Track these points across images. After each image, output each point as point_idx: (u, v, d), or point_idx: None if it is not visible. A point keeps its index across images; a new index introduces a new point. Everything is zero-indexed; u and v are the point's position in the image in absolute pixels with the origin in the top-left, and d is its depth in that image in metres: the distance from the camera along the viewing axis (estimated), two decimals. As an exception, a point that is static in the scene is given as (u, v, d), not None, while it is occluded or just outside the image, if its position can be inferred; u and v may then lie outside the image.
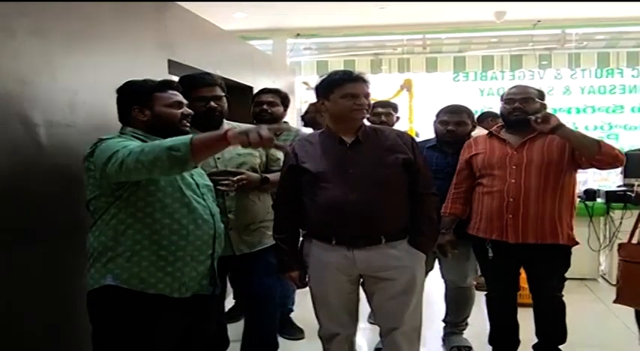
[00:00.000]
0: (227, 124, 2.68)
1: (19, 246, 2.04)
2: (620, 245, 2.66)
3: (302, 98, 8.19)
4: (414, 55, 8.60)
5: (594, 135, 7.49)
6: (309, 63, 8.60)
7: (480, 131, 3.30)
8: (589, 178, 5.77)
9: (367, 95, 2.33)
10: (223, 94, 2.68)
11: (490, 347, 3.11)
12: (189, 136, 1.76)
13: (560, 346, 2.97)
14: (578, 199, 4.64)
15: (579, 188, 5.06)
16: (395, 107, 3.98)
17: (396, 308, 2.37)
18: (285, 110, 3.62)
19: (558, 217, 2.77)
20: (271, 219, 2.67)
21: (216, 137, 1.76)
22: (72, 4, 2.45)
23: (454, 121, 3.15)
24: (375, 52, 8.71)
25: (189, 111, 2.16)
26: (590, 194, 4.79)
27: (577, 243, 2.85)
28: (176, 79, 2.68)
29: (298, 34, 8.09)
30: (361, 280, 2.43)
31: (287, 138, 3.40)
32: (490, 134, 2.98)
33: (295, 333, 3.64)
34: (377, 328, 2.54)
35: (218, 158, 2.61)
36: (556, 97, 8.01)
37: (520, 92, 2.89)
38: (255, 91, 3.84)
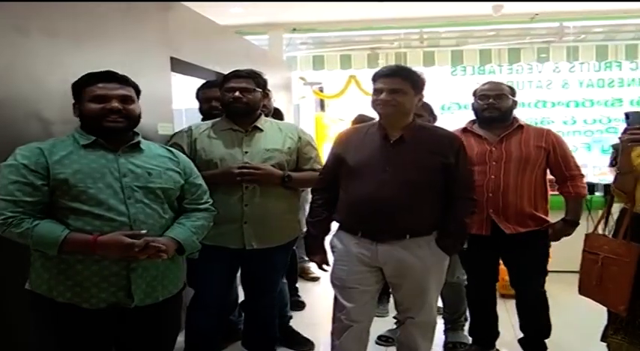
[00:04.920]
0: (263, 120, 2.78)
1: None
2: (586, 236, 2.66)
3: (299, 93, 8.16)
4: (411, 48, 8.54)
5: (593, 128, 7.68)
6: (305, 58, 8.55)
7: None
8: (589, 172, 5.79)
9: (395, 91, 2.32)
10: (256, 88, 2.68)
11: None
12: (62, 235, 1.79)
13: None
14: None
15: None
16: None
17: (413, 302, 2.47)
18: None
19: (535, 209, 2.87)
20: (292, 218, 2.81)
21: (85, 246, 1.82)
22: (81, 5, 2.53)
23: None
24: (371, 47, 8.63)
25: (115, 105, 1.93)
26: (589, 188, 4.67)
27: (547, 221, 2.94)
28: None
29: (294, 29, 8.02)
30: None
31: None
32: (464, 130, 3.02)
33: (306, 343, 3.50)
34: (383, 319, 2.69)
35: (246, 152, 2.66)
36: (555, 91, 8.01)
37: (494, 89, 2.93)
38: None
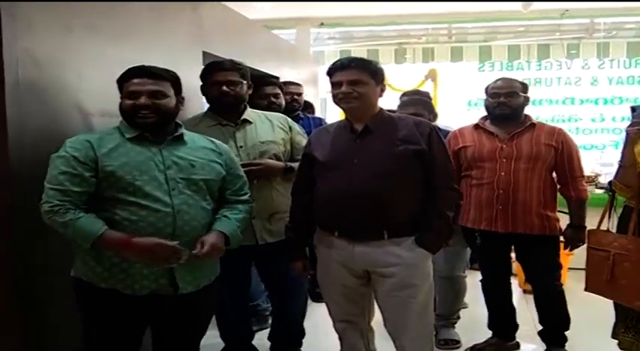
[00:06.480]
0: (251, 111, 2.75)
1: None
2: (589, 232, 2.66)
3: (326, 88, 8.19)
4: (439, 44, 8.51)
5: (622, 126, 7.58)
6: (332, 52, 8.56)
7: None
8: (613, 171, 5.73)
9: (355, 82, 2.22)
10: (241, 80, 2.63)
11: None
12: (98, 233, 1.87)
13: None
14: (603, 190, 4.86)
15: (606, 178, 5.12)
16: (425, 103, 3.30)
17: (399, 309, 2.32)
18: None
19: (544, 207, 2.89)
20: None
21: (121, 247, 1.91)
22: (120, 4, 2.61)
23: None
24: (399, 42, 8.62)
25: (145, 102, 2.00)
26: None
27: (555, 221, 2.94)
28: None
29: (322, 24, 8.04)
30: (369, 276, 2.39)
31: None
32: (476, 126, 3.05)
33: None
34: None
35: (241, 146, 2.63)
36: (583, 88, 7.91)
37: (504, 86, 2.95)
38: (281, 80, 3.92)
